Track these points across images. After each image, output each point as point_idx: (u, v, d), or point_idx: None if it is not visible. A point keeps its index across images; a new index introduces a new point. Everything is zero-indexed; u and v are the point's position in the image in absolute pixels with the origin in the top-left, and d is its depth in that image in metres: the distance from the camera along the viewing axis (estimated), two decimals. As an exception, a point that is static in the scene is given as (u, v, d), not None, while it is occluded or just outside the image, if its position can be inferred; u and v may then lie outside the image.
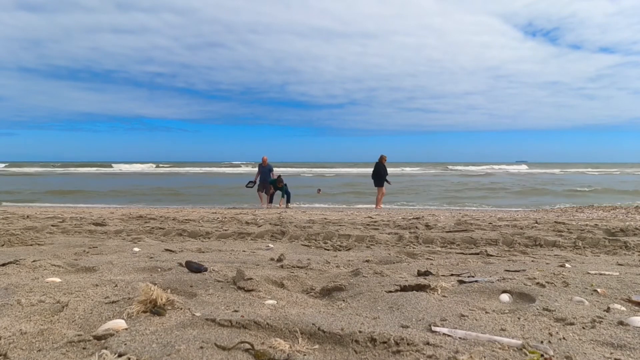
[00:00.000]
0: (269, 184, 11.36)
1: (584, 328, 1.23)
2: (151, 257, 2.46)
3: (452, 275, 1.97)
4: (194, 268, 1.95)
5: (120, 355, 1.03)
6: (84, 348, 1.10)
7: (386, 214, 6.38)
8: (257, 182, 11.71)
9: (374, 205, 10.58)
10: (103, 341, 1.12)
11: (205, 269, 1.94)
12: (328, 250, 2.98)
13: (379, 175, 10.14)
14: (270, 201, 11.28)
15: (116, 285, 1.71)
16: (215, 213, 6.54)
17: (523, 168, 51.49)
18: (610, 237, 3.21)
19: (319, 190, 16.51)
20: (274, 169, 11.86)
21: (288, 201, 11.17)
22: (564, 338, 1.16)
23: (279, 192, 11.31)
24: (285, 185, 11.27)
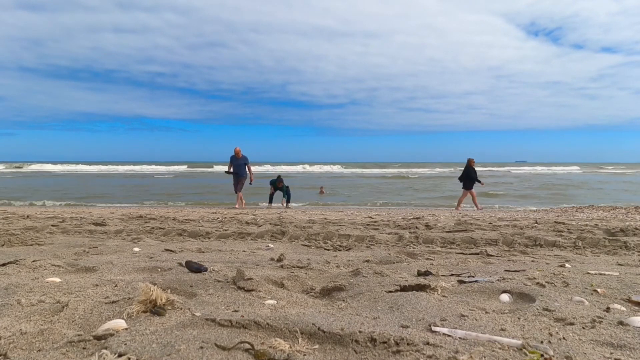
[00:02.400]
0: (269, 183, 11.23)
1: (584, 328, 1.23)
2: (151, 257, 2.46)
3: (452, 275, 1.97)
4: (194, 268, 1.95)
5: (120, 355, 1.03)
6: (84, 348, 1.10)
7: (386, 214, 6.37)
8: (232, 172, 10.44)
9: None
10: (103, 341, 1.12)
11: (205, 269, 1.94)
12: (328, 250, 2.98)
13: (469, 177, 10.14)
14: (270, 201, 11.18)
15: (116, 285, 1.71)
16: (215, 213, 6.54)
17: (575, 169, 48.65)
18: (610, 237, 3.21)
19: (322, 188, 16.21)
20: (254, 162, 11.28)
21: (288, 201, 11.08)
22: (564, 338, 1.16)
23: (279, 193, 11.20)
24: (287, 187, 11.16)
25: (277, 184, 11.11)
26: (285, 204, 10.89)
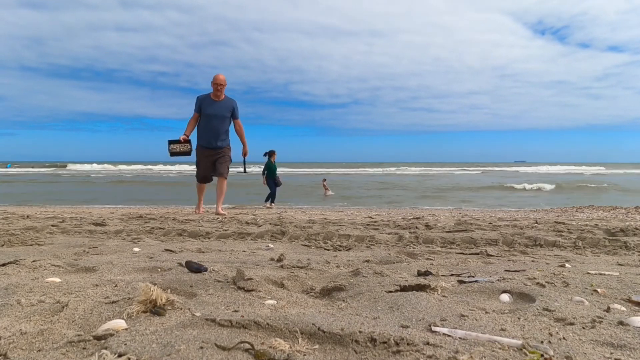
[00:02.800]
0: (264, 155, 10.26)
1: (584, 328, 1.23)
2: (151, 257, 2.46)
3: (452, 275, 1.97)
4: (194, 268, 1.95)
5: (120, 355, 1.03)
6: (84, 348, 1.10)
7: (386, 214, 6.37)
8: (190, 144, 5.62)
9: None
10: (103, 341, 1.12)
11: (205, 269, 1.94)
12: (328, 250, 2.98)
13: None
14: (267, 200, 10.81)
15: (116, 285, 1.71)
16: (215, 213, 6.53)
17: (601, 169, 47.67)
18: (610, 237, 3.21)
19: (325, 187, 15.89)
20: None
21: (272, 201, 10.67)
22: (564, 338, 1.16)
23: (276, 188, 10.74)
24: (278, 178, 10.66)
25: (272, 155, 10.53)
26: (270, 203, 10.35)
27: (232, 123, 5.93)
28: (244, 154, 6.08)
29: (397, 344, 1.09)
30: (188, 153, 5.67)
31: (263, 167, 10.63)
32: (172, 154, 5.58)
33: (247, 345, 1.08)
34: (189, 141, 5.67)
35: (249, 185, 19.15)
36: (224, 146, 5.80)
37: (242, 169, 6.45)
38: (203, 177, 5.93)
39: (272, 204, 10.43)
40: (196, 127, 5.82)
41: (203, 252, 2.72)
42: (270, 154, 10.58)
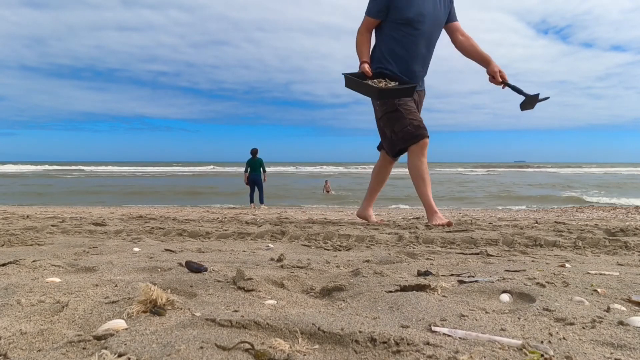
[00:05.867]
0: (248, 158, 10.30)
1: (584, 328, 1.23)
2: (151, 257, 2.46)
3: (452, 275, 1.97)
4: (194, 268, 1.95)
5: (120, 355, 1.03)
6: (84, 348, 1.10)
7: (386, 214, 6.37)
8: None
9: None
10: (103, 341, 1.12)
11: (205, 269, 1.94)
12: (328, 250, 2.98)
13: None
14: (257, 201, 10.68)
15: (116, 285, 1.71)
16: (215, 213, 6.54)
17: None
18: (610, 237, 3.21)
19: (327, 185, 15.71)
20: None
21: (261, 198, 10.61)
22: (564, 338, 1.16)
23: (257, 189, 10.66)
24: (262, 172, 10.62)
25: (253, 153, 10.58)
26: (260, 203, 10.28)
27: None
28: (503, 78, 3.42)
29: (397, 343, 1.08)
30: (410, 93, 3.23)
31: (246, 165, 10.58)
32: (382, 94, 3.14)
33: (247, 345, 1.08)
34: (382, 75, 3.34)
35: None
36: (423, 85, 3.40)
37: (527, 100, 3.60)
38: (419, 125, 3.42)
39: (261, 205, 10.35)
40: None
41: (203, 252, 2.73)
42: (253, 152, 10.63)
